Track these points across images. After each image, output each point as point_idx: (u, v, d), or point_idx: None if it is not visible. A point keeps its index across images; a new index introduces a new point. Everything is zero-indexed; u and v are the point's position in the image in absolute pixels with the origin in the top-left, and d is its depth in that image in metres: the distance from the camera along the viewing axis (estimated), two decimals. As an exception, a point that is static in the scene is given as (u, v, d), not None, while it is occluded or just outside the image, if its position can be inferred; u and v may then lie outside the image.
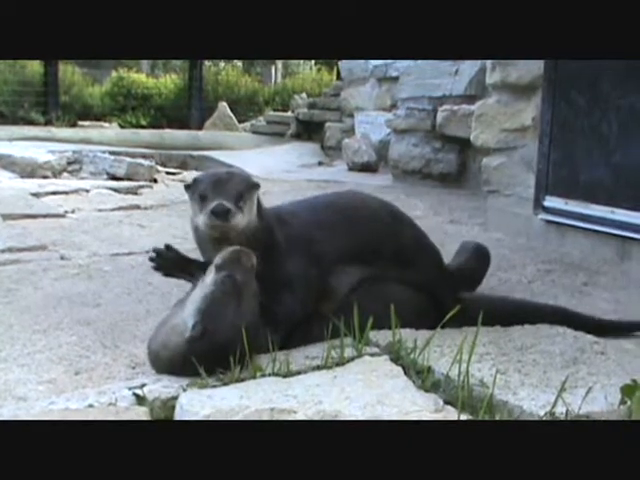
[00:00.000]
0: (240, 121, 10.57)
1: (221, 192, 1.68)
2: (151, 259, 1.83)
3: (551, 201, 3.10)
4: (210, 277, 1.55)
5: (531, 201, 3.19)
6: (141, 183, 5.09)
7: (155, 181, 5.39)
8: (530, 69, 3.20)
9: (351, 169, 6.41)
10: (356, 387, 1.40)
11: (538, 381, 1.49)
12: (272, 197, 3.39)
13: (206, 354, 1.46)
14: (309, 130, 8.39)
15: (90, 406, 1.35)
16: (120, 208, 3.95)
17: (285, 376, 1.47)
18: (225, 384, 1.42)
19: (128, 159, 5.62)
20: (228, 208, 1.65)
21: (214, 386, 1.41)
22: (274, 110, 10.65)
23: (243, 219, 1.68)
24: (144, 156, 6.28)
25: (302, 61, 19.33)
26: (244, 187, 1.73)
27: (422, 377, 1.48)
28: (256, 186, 1.78)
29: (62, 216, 3.61)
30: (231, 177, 1.75)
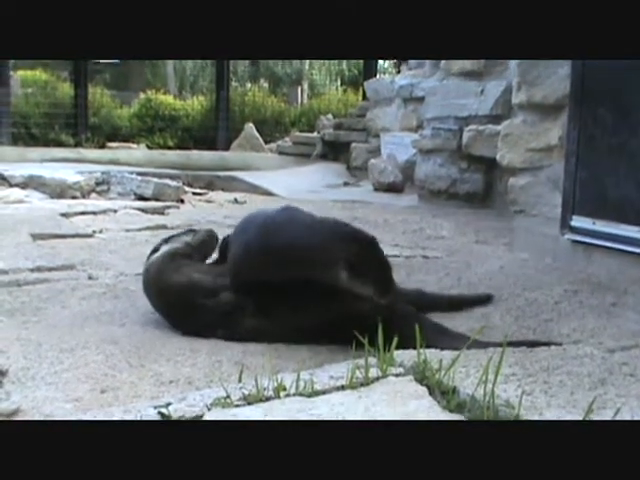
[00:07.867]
0: (266, 142, 10.65)
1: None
2: None
3: (578, 221, 3.07)
4: None
5: (558, 221, 3.16)
6: (168, 203, 5.14)
7: (182, 201, 5.44)
8: (556, 88, 3.19)
9: (377, 189, 6.42)
10: (381, 407, 1.40)
11: (565, 402, 1.47)
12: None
13: None
14: (335, 151, 8.43)
15: (115, 424, 1.36)
16: (147, 228, 3.98)
17: (309, 396, 1.46)
18: (249, 403, 1.42)
19: (155, 180, 5.68)
20: None
21: (237, 405, 1.41)
22: (300, 131, 10.72)
23: None
24: (171, 177, 6.34)
25: (328, 82, 19.46)
26: None
27: (447, 398, 1.47)
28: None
29: (90, 236, 3.65)
30: None
